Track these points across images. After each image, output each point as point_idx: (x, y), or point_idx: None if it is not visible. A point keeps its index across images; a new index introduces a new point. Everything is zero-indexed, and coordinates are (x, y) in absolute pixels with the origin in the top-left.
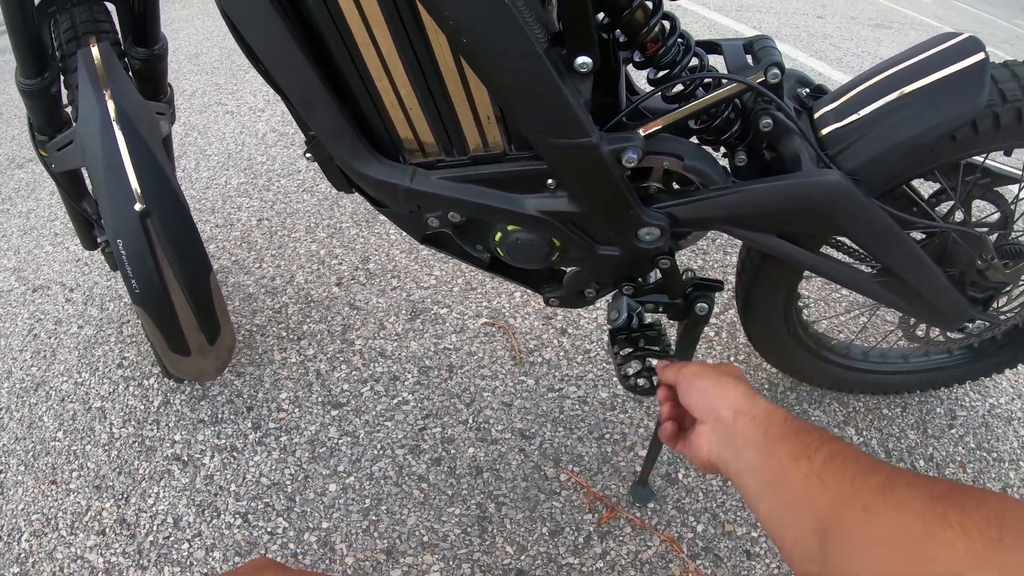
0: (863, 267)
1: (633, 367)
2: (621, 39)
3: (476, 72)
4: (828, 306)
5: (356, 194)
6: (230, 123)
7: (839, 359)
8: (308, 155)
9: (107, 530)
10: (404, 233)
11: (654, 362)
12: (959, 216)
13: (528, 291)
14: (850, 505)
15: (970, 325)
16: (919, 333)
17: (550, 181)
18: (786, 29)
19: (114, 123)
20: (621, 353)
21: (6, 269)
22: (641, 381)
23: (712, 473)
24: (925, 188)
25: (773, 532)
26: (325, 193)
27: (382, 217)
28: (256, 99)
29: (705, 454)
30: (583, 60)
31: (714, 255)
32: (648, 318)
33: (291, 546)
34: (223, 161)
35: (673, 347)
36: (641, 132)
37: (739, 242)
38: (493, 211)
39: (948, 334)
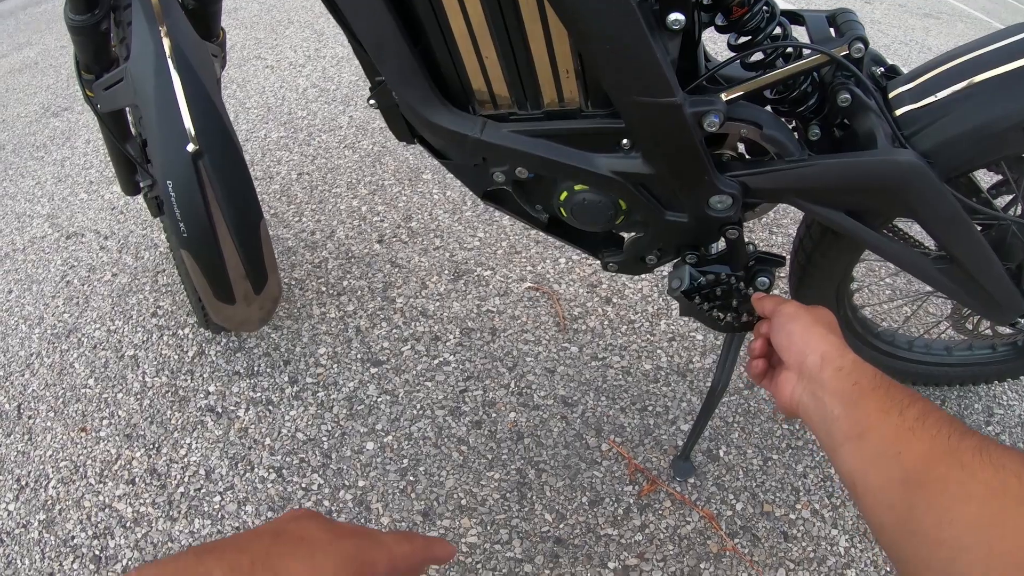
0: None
1: (723, 313)
2: (706, 1)
3: (564, 22)
4: (872, 293)
5: (400, 152)
6: (270, 77)
7: (884, 346)
8: (372, 101)
9: (137, 480)
10: (448, 193)
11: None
12: (1020, 209)
13: (575, 257)
14: (946, 460)
15: (1022, 320)
16: (968, 325)
17: (625, 141)
18: None
19: (169, 60)
20: (704, 307)
21: (40, 216)
22: (744, 317)
23: (792, 417)
24: (987, 181)
25: (851, 480)
26: (367, 150)
27: (426, 176)
28: (296, 55)
29: (787, 398)
30: (675, 17)
31: (760, 234)
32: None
33: (326, 503)
34: (262, 115)
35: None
36: (723, 97)
37: (785, 222)
38: (563, 168)
39: (997, 329)
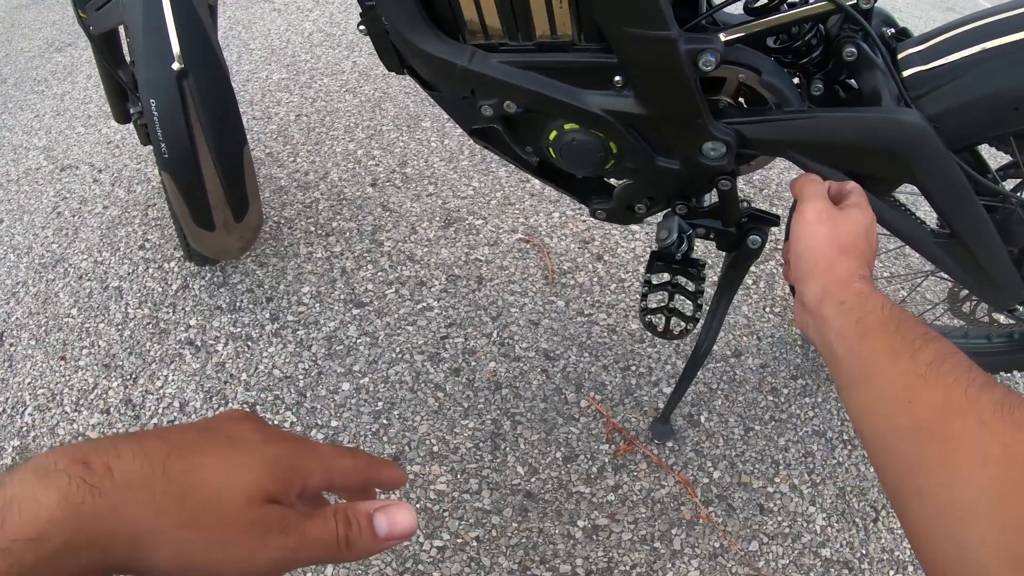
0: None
1: (657, 300)
2: None
3: None
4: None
5: (401, 99)
6: (276, 20)
7: None
8: (361, 27)
9: (111, 409)
10: (446, 142)
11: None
12: None
13: (568, 212)
14: (964, 415)
15: (1020, 308)
16: (965, 309)
17: (618, 78)
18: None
19: None
20: (653, 281)
21: (36, 148)
22: (657, 318)
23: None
24: (995, 162)
25: (857, 423)
26: (368, 96)
27: (424, 124)
28: None
29: (799, 322)
30: None
31: (760, 204)
32: (697, 250)
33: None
34: (266, 56)
35: (706, 304)
36: (722, 37)
37: (787, 195)
38: (552, 103)
39: (994, 316)
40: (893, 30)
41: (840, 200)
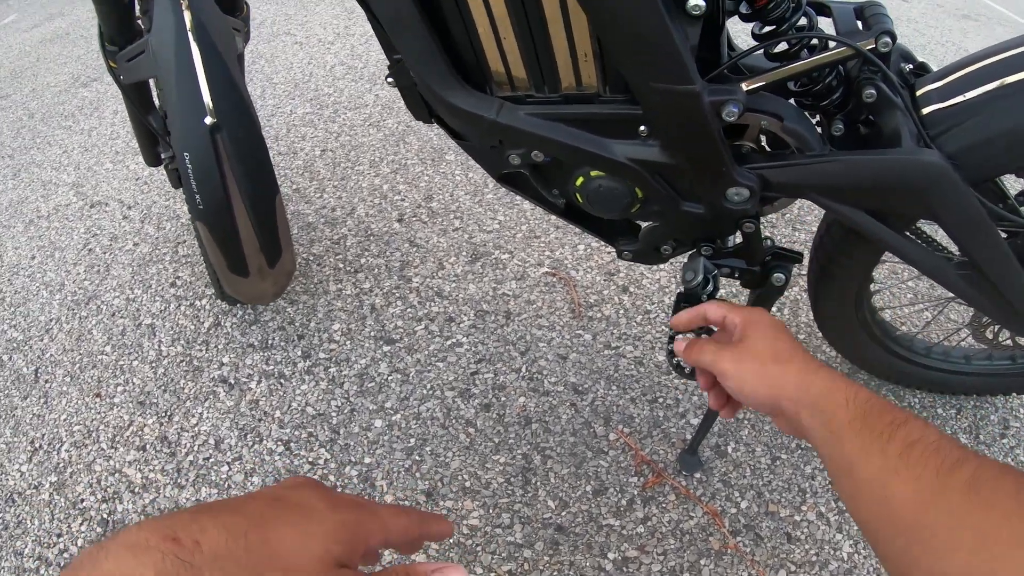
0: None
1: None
2: None
3: (582, 4)
4: (892, 296)
5: (424, 132)
6: (298, 53)
7: (902, 351)
8: (390, 79)
9: (147, 446)
10: (471, 175)
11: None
12: None
13: (594, 245)
14: (935, 505)
15: None
16: (988, 335)
17: (643, 128)
18: None
19: (190, 34)
20: None
21: (65, 184)
22: (685, 362)
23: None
24: (1014, 187)
25: (852, 513)
26: (391, 129)
27: (449, 157)
28: (326, 31)
29: (787, 432)
30: (696, 2)
31: (783, 230)
32: (722, 287)
33: (331, 478)
34: (289, 90)
35: None
36: (744, 87)
37: (809, 219)
38: (580, 153)
39: (1017, 340)
40: (911, 66)
41: (724, 330)
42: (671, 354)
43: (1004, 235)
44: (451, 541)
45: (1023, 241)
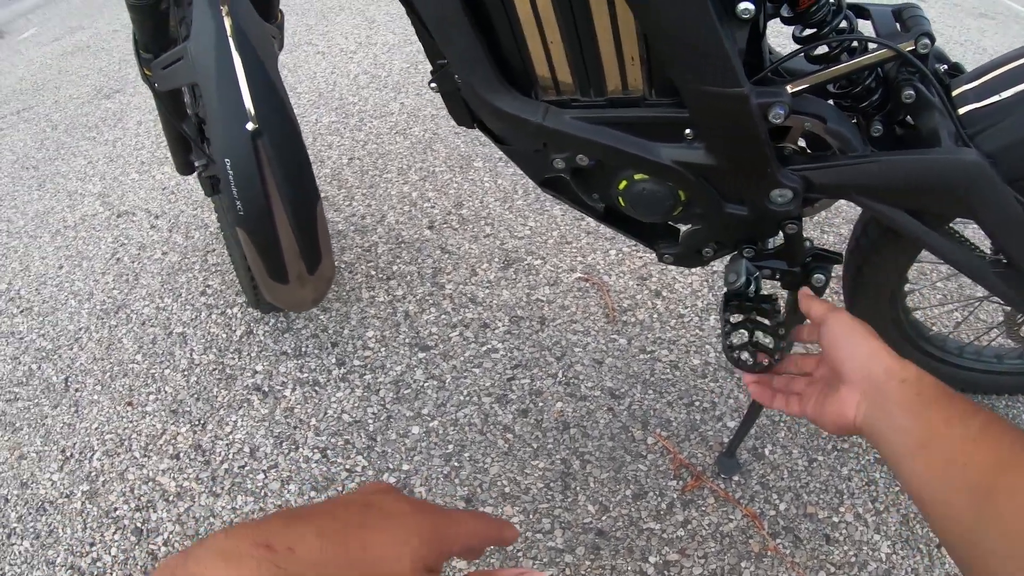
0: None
1: (739, 337)
2: None
3: (632, 7)
4: (922, 297)
5: (452, 139)
6: (321, 63)
7: (935, 351)
8: (433, 84)
9: (181, 455)
10: (499, 182)
11: (763, 339)
12: None
13: (625, 249)
14: (1012, 469)
15: None
16: (1022, 333)
17: (688, 131)
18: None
19: (230, 40)
20: (731, 320)
21: (91, 194)
22: (745, 355)
23: (845, 434)
24: None
25: (918, 492)
26: (418, 137)
27: (477, 164)
28: (347, 41)
29: (851, 418)
30: (745, 6)
31: (811, 232)
32: (764, 287)
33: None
34: (314, 100)
35: (783, 331)
36: (789, 89)
37: (837, 220)
38: (625, 156)
39: None
40: (946, 66)
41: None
42: (730, 348)
43: None
44: (491, 547)
45: None
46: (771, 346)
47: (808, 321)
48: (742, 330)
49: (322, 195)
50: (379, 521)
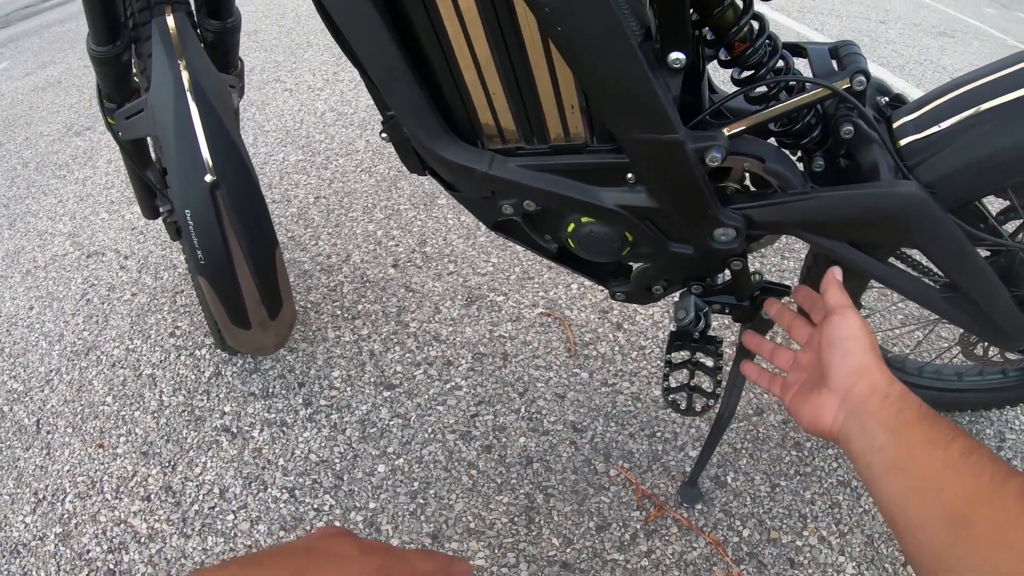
0: (929, 281)
1: (677, 379)
2: (708, 37)
3: (567, 60)
4: (883, 318)
5: (416, 177)
6: (288, 100)
7: (895, 372)
8: (384, 135)
9: (152, 496)
10: (463, 218)
11: (703, 382)
12: None
13: (586, 283)
14: (990, 502)
15: None
16: (978, 352)
17: (630, 175)
18: (848, 33)
19: (188, 93)
20: (673, 360)
21: (61, 234)
22: (680, 398)
23: (819, 436)
24: (994, 206)
25: (890, 511)
26: (383, 175)
27: (440, 201)
28: (315, 78)
29: (828, 424)
30: (676, 56)
31: (772, 259)
32: (714, 324)
33: (337, 524)
34: (281, 138)
35: (721, 376)
36: (725, 132)
37: (797, 247)
38: (570, 202)
39: (1007, 355)
40: (887, 98)
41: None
42: (667, 391)
43: (988, 253)
44: None
45: (1006, 259)
46: (709, 389)
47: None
48: (682, 371)
49: (289, 235)
50: (324, 564)
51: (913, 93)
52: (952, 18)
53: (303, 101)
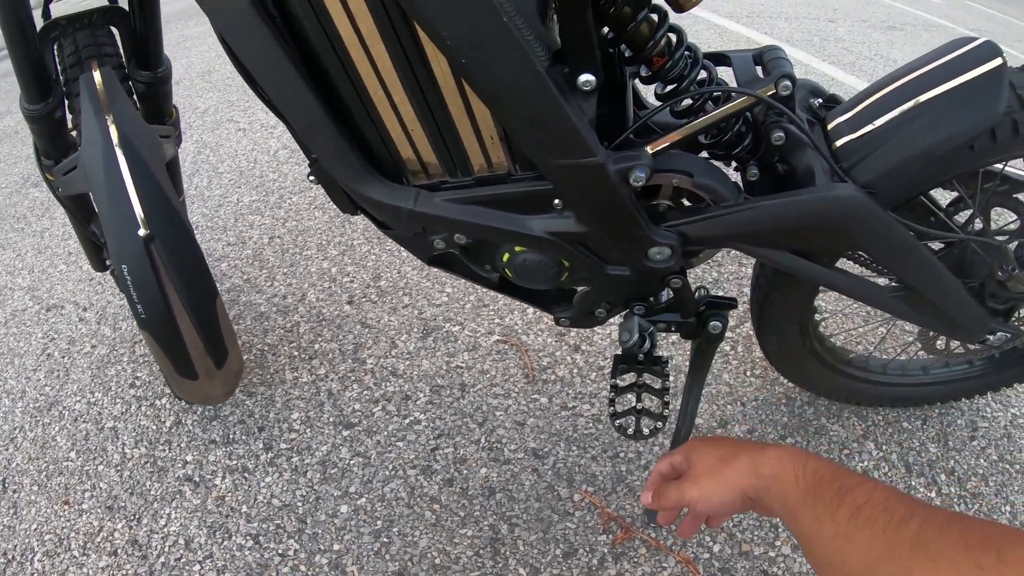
0: (880, 280)
1: (624, 403)
2: (627, 53)
3: (477, 92)
4: (846, 318)
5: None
6: (242, 140)
7: (857, 372)
8: (311, 178)
9: (119, 551)
10: None
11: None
12: (978, 225)
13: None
14: (885, 561)
15: (991, 337)
16: (939, 346)
17: (557, 201)
18: (798, 34)
19: (116, 148)
20: (619, 384)
21: (20, 288)
22: (627, 422)
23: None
24: (943, 197)
25: None
26: (336, 211)
27: None
28: (268, 116)
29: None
30: (586, 78)
31: (729, 267)
32: (659, 345)
33: (302, 568)
34: (235, 179)
35: (668, 397)
36: (649, 150)
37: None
38: (499, 232)
39: (968, 346)
40: (820, 100)
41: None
42: (613, 416)
43: (939, 246)
44: None
45: (959, 251)
46: (657, 411)
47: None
48: (629, 394)
49: (244, 277)
50: None
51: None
52: (900, 11)
53: (256, 140)
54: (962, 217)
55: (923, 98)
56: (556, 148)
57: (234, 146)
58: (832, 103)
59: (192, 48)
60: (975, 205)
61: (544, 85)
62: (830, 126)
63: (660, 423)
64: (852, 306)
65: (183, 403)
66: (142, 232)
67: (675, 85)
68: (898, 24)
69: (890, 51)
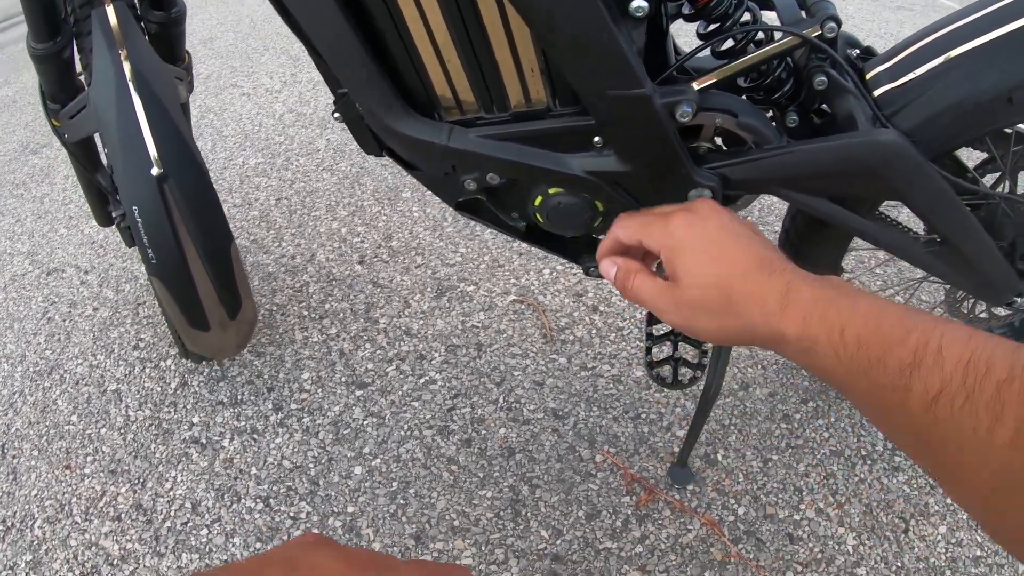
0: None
1: (660, 352)
2: None
3: (523, 16)
4: (863, 284)
5: (379, 172)
6: (246, 104)
7: None
8: (336, 114)
9: (123, 516)
10: (428, 210)
11: (687, 353)
12: (1007, 187)
13: (559, 268)
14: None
15: (1018, 300)
16: (964, 309)
17: (597, 138)
18: None
19: (130, 84)
20: (654, 332)
21: (20, 253)
22: (665, 371)
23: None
24: (970, 160)
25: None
26: (345, 172)
27: (405, 195)
28: (272, 81)
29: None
30: (639, 3)
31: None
32: None
33: (315, 531)
34: (240, 142)
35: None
36: (695, 86)
37: (771, 219)
38: (535, 171)
39: (993, 310)
40: (858, 51)
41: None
42: (650, 365)
43: (968, 207)
44: None
45: (985, 213)
46: (694, 360)
47: None
48: (665, 343)
49: (251, 238)
50: None
51: None
52: None
53: (261, 104)
54: (989, 180)
55: (965, 48)
56: (603, 77)
57: (238, 110)
58: (868, 54)
59: (194, 16)
60: (1007, 166)
61: (596, 8)
62: (869, 75)
63: (698, 372)
64: (871, 273)
65: (189, 364)
66: (155, 171)
67: (718, 25)
68: (908, 4)
69: (900, 30)
